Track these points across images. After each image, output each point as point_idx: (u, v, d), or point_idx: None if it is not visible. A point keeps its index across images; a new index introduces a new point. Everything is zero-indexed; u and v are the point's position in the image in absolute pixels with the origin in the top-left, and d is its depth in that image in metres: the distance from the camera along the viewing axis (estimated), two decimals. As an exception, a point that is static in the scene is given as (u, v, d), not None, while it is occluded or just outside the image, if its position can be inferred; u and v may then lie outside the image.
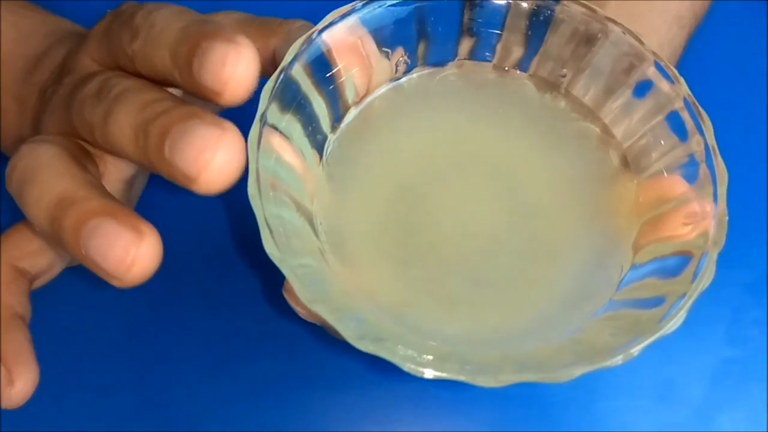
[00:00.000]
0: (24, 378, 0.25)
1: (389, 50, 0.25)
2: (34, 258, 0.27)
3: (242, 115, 0.23)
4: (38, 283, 0.28)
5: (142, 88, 0.23)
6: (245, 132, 0.22)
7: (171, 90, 0.28)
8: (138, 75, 0.25)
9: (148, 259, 0.21)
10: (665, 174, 0.24)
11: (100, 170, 0.27)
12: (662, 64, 0.24)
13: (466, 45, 0.26)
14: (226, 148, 0.20)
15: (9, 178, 0.24)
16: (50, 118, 0.27)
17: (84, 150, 0.26)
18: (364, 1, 0.24)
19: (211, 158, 0.20)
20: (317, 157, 0.24)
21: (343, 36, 0.24)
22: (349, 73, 0.24)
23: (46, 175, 0.23)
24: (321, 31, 0.23)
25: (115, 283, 0.21)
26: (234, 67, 0.21)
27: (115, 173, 0.28)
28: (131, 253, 0.21)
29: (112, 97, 0.23)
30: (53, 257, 0.27)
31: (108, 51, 0.26)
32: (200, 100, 0.23)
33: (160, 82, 0.24)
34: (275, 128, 0.22)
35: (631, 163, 0.25)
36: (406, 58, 0.26)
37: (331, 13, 0.24)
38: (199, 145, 0.20)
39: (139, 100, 0.23)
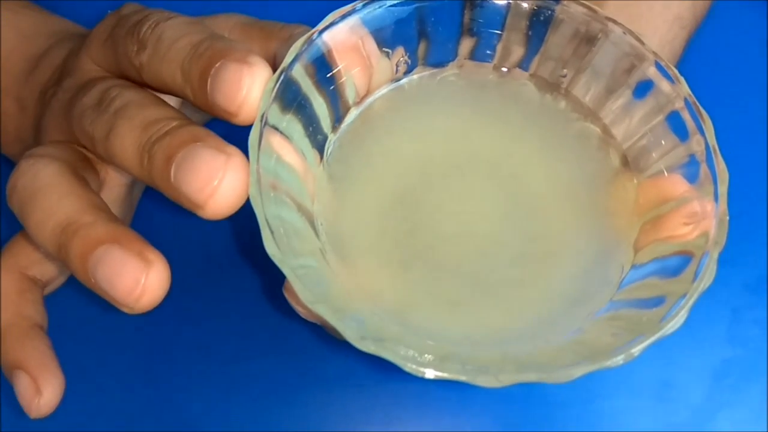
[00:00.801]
0: (51, 387, 0.25)
1: (390, 50, 0.25)
2: (43, 265, 0.27)
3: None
4: (48, 290, 0.28)
5: (143, 103, 0.23)
6: (246, 133, 0.22)
7: (171, 99, 0.28)
8: (143, 84, 0.25)
9: (158, 287, 0.21)
10: (666, 174, 0.24)
11: (101, 177, 0.27)
12: (663, 63, 0.24)
13: (466, 45, 0.26)
14: (232, 174, 0.21)
15: (10, 197, 0.24)
16: (50, 122, 0.27)
17: (84, 158, 0.26)
18: (365, 2, 0.24)
19: (217, 186, 0.20)
20: (318, 157, 0.24)
21: (343, 36, 0.24)
22: (350, 73, 0.24)
23: (47, 197, 0.23)
24: (321, 31, 0.23)
25: (126, 310, 0.21)
26: (249, 88, 0.21)
27: (116, 178, 0.28)
28: (140, 282, 0.21)
29: (113, 111, 0.23)
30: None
31: (112, 57, 0.26)
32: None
33: (167, 93, 0.24)
34: (276, 129, 0.22)
35: (631, 163, 0.25)
36: (406, 58, 0.26)
37: (332, 14, 0.24)
38: (205, 173, 0.20)
39: (141, 118, 0.22)
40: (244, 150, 0.21)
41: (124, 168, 0.23)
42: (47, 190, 0.23)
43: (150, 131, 0.22)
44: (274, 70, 0.23)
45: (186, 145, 0.21)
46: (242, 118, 0.22)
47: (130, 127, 0.22)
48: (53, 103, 0.27)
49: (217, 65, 0.21)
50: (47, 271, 0.27)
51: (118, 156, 0.23)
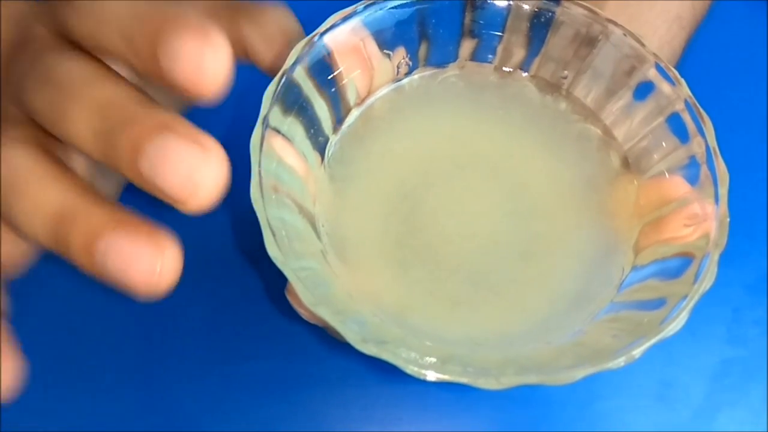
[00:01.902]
0: (7, 373, 0.23)
1: (391, 52, 0.25)
2: (4, 245, 0.24)
3: (243, 118, 0.23)
4: (15, 272, 0.25)
5: (89, 80, 0.21)
6: (247, 135, 0.22)
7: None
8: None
9: (174, 269, 0.20)
10: (666, 175, 0.24)
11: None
12: (663, 65, 0.24)
13: (467, 46, 0.26)
14: (213, 169, 0.19)
15: None
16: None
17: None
18: (366, 4, 0.24)
19: (199, 182, 0.19)
20: (319, 158, 0.24)
21: (344, 38, 0.24)
22: (351, 75, 0.24)
23: (32, 188, 0.21)
24: (323, 33, 0.23)
25: (140, 299, 0.20)
26: (209, 63, 0.19)
27: None
28: (156, 269, 0.19)
29: (55, 84, 0.21)
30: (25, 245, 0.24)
31: (49, 17, 0.22)
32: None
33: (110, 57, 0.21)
34: (277, 131, 0.22)
35: (632, 165, 0.25)
36: (407, 59, 0.26)
37: (333, 16, 0.24)
38: (183, 170, 0.19)
39: (92, 99, 0.20)
40: (246, 151, 0.21)
41: (81, 151, 0.21)
42: (29, 179, 0.21)
43: (106, 115, 0.20)
44: (242, 52, 0.21)
45: (154, 135, 0.19)
46: (200, 93, 0.19)
47: (81, 110, 0.20)
48: None
49: (168, 35, 0.19)
50: (10, 252, 0.24)
51: (73, 140, 0.21)
